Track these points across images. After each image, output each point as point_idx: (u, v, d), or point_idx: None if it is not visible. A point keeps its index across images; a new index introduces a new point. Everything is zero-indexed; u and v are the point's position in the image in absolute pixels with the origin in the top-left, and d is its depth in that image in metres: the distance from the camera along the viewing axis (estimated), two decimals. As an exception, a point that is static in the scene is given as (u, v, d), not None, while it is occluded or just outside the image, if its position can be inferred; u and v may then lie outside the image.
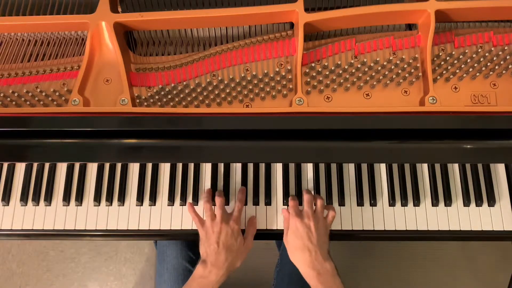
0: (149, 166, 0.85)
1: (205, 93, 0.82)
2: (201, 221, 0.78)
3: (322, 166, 0.85)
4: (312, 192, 0.82)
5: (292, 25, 0.86)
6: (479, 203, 0.82)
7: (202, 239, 0.77)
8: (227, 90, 0.83)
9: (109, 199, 0.83)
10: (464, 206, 0.83)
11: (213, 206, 0.80)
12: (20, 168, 0.85)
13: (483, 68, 0.82)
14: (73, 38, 0.87)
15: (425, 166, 0.85)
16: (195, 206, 0.81)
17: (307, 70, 0.84)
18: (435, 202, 0.82)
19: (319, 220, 0.75)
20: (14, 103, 0.82)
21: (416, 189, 0.83)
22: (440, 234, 0.82)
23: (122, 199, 0.83)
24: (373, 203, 0.83)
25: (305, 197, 0.78)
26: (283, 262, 1.02)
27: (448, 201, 0.82)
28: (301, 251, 0.72)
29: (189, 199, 0.83)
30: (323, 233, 0.74)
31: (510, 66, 0.83)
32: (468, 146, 0.80)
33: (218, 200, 0.79)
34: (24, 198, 0.83)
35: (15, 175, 0.85)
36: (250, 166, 0.86)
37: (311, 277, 0.71)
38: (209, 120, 0.78)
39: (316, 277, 0.70)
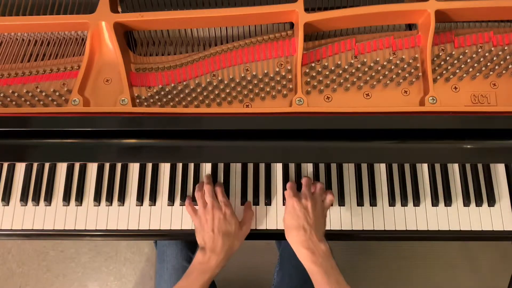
0: (149, 166, 0.85)
1: (205, 93, 0.82)
2: (194, 210, 0.79)
3: (322, 166, 0.85)
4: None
5: (292, 25, 0.86)
6: (479, 203, 0.82)
7: (197, 227, 0.77)
8: (227, 90, 0.83)
9: (109, 199, 0.83)
10: (464, 206, 0.83)
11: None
12: (20, 168, 0.85)
13: (483, 68, 0.82)
14: (73, 38, 0.87)
15: (425, 166, 0.85)
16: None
17: (307, 70, 0.84)
18: (435, 202, 0.82)
19: (317, 202, 0.75)
20: (14, 103, 0.82)
21: (416, 189, 0.83)
22: (440, 234, 0.82)
23: (122, 199, 0.83)
24: (373, 203, 0.83)
25: (304, 180, 0.79)
26: (283, 262, 1.02)
27: (448, 201, 0.82)
28: (296, 230, 0.72)
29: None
30: (320, 215, 0.74)
31: (510, 66, 0.83)
32: (468, 146, 0.80)
33: (206, 187, 0.79)
34: (24, 198, 0.83)
35: (15, 175, 0.85)
36: (250, 166, 0.86)
37: (305, 257, 0.70)
38: (209, 120, 0.78)
39: (310, 257, 0.69)
